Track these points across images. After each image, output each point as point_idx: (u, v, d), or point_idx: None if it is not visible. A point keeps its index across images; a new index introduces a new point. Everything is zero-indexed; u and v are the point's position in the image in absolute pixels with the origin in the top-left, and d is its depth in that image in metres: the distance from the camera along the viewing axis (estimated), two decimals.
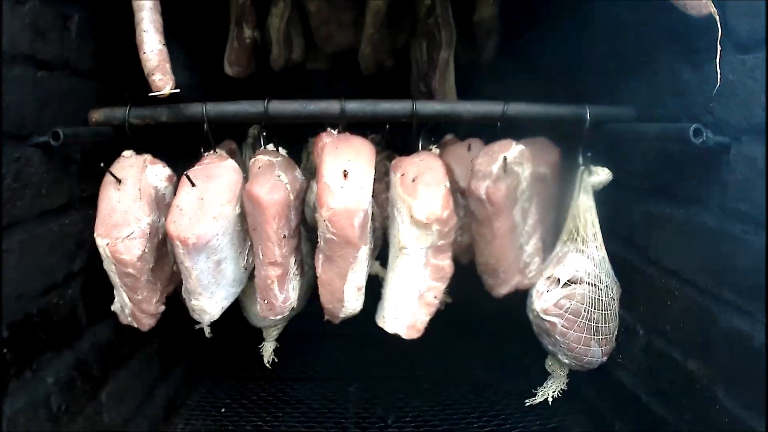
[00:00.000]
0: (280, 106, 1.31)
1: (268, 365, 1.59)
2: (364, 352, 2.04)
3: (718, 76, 1.12)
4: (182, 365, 1.93)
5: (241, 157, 1.73)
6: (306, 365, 2.17)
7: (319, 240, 1.27)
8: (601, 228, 1.40)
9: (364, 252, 1.26)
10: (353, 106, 1.31)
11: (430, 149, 1.45)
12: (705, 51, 1.12)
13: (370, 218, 1.26)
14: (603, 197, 1.40)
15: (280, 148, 1.39)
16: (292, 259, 1.32)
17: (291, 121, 1.33)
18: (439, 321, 1.40)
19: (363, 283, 1.30)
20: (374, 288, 1.43)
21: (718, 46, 1.12)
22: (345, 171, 1.22)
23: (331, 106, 1.31)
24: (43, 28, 1.22)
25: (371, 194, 1.25)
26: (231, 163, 1.32)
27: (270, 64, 1.83)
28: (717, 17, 1.10)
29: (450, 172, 1.50)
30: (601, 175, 1.38)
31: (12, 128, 1.10)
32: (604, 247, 1.40)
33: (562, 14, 1.76)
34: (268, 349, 1.59)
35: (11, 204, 1.10)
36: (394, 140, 1.68)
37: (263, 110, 1.31)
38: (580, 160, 1.38)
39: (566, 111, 1.38)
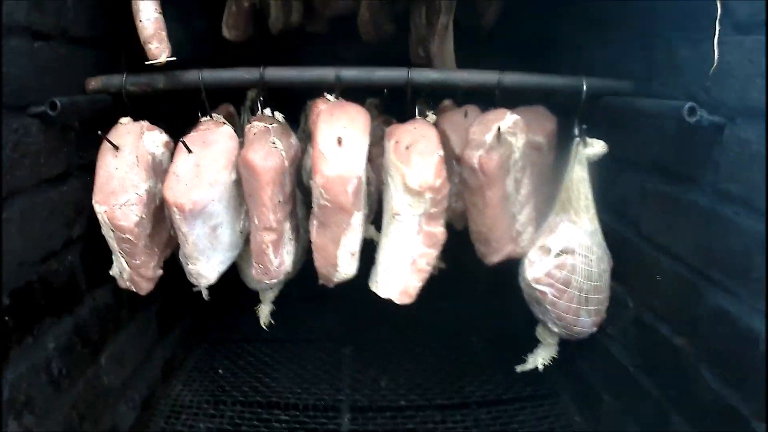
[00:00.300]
0: (276, 73, 1.30)
1: (264, 327, 1.62)
2: (359, 315, 2.08)
3: (715, 57, 1.11)
4: (179, 328, 1.97)
5: (239, 120, 1.73)
6: (302, 328, 2.22)
7: (313, 206, 1.28)
8: (594, 200, 1.41)
9: (357, 218, 1.27)
10: (349, 73, 1.30)
11: (427, 115, 1.45)
12: (704, 29, 1.10)
13: (364, 185, 1.27)
14: (598, 168, 1.41)
15: (276, 113, 1.38)
16: (287, 224, 1.34)
17: (287, 86, 1.32)
18: (432, 285, 1.43)
19: (357, 248, 1.32)
20: (370, 252, 1.45)
21: (717, 25, 1.11)
22: (339, 138, 1.22)
23: (327, 74, 1.30)
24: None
25: (366, 160, 1.26)
26: (227, 129, 1.32)
27: (268, 28, 1.80)
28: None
29: (446, 139, 1.50)
30: (596, 147, 1.38)
31: (11, 99, 1.10)
32: (597, 219, 1.41)
33: None
34: (264, 312, 1.62)
35: (10, 174, 1.11)
36: (393, 105, 1.67)
37: (259, 77, 1.30)
38: (576, 131, 1.38)
39: (563, 82, 1.37)
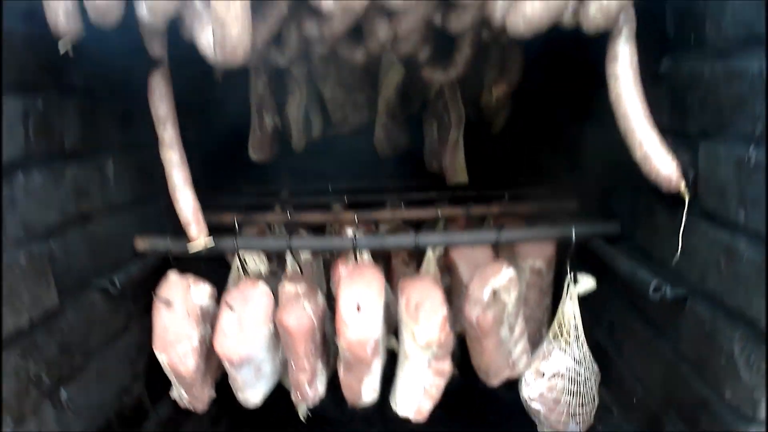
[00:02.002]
0: (301, 242, 1.54)
1: (303, 420, 1.92)
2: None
3: (680, 245, 1.28)
4: (225, 422, 2.28)
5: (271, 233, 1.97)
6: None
7: (339, 351, 1.54)
8: (584, 325, 1.61)
9: (376, 364, 1.53)
10: (364, 242, 1.52)
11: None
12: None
13: (381, 339, 1.51)
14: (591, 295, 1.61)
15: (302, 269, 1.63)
16: (319, 363, 1.61)
17: (311, 250, 1.56)
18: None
19: (377, 385, 1.58)
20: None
21: (684, 218, 1.27)
22: (358, 305, 1.46)
23: (345, 242, 1.53)
24: (85, 189, 1.48)
25: (382, 318, 1.50)
26: (263, 288, 1.57)
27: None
28: (686, 195, 1.24)
29: (455, 269, 1.73)
30: (586, 283, 1.58)
31: (73, 280, 1.39)
32: (585, 344, 1.62)
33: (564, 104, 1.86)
34: (302, 406, 1.92)
35: (86, 341, 1.42)
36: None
37: (286, 245, 1.54)
38: (569, 270, 1.57)
39: (554, 232, 1.55)
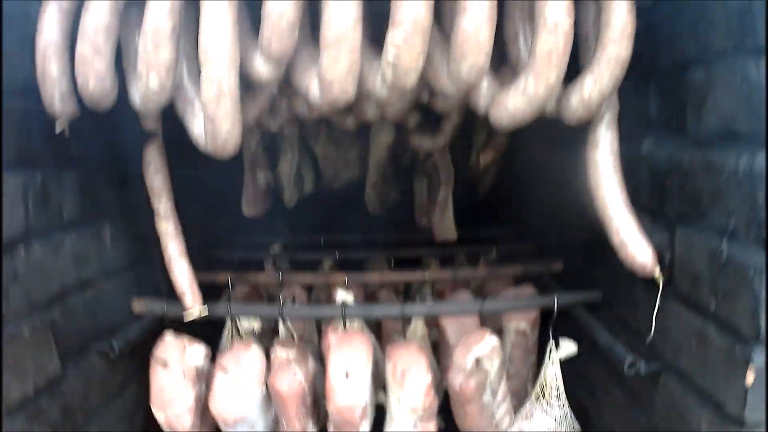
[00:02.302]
0: (293, 311, 1.60)
1: None
2: None
3: (653, 326, 1.34)
4: None
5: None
6: None
7: (329, 413, 1.60)
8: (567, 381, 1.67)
9: (364, 425, 1.58)
10: (353, 311, 1.58)
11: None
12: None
13: (369, 403, 1.57)
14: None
15: (294, 335, 1.68)
16: (310, 424, 1.66)
17: (301, 318, 1.62)
18: None
19: None
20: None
21: (657, 300, 1.33)
22: (347, 372, 1.52)
23: (335, 311, 1.59)
24: (84, 256, 1.54)
25: (370, 382, 1.56)
26: (255, 352, 1.63)
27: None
28: (661, 281, 1.30)
29: (443, 331, 1.79)
30: (567, 348, 1.63)
31: (74, 346, 1.45)
32: (567, 404, 1.67)
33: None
34: None
35: (87, 402, 1.48)
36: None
37: (279, 313, 1.59)
38: (551, 335, 1.63)
39: (537, 302, 1.61)
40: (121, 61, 1.33)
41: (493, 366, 1.57)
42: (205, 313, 1.54)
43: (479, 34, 1.14)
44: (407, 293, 1.97)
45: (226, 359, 1.62)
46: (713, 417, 1.19)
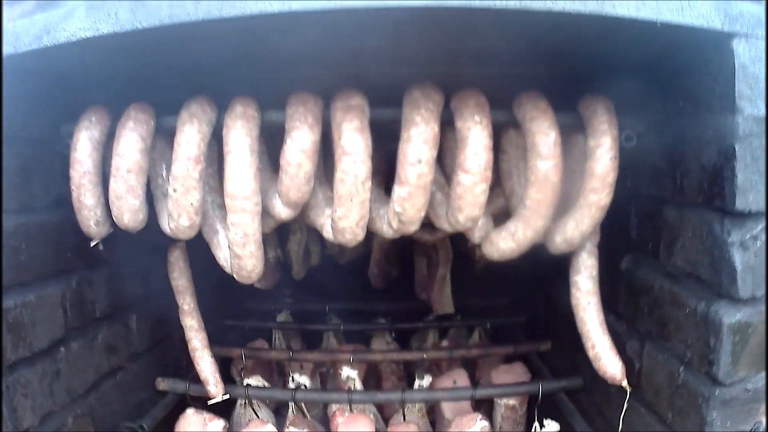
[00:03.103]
0: (303, 395, 1.77)
1: None
2: None
3: (620, 427, 1.52)
4: None
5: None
6: None
7: None
8: None
9: None
10: (358, 396, 1.76)
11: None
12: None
13: None
14: None
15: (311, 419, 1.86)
16: None
17: (312, 402, 1.80)
18: None
19: None
20: None
21: (625, 404, 1.51)
22: None
23: (342, 396, 1.76)
24: (113, 345, 1.70)
25: None
26: (271, 428, 1.80)
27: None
28: (628, 390, 1.48)
29: (439, 407, 1.96)
30: (551, 427, 1.81)
31: (108, 427, 1.62)
32: None
33: None
34: None
35: None
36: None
37: (291, 397, 1.77)
38: (536, 417, 1.81)
39: (523, 389, 1.79)
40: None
41: None
42: (226, 396, 1.71)
43: (475, 189, 1.31)
44: (408, 365, 2.16)
45: None
46: None
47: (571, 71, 1.52)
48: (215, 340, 2.06)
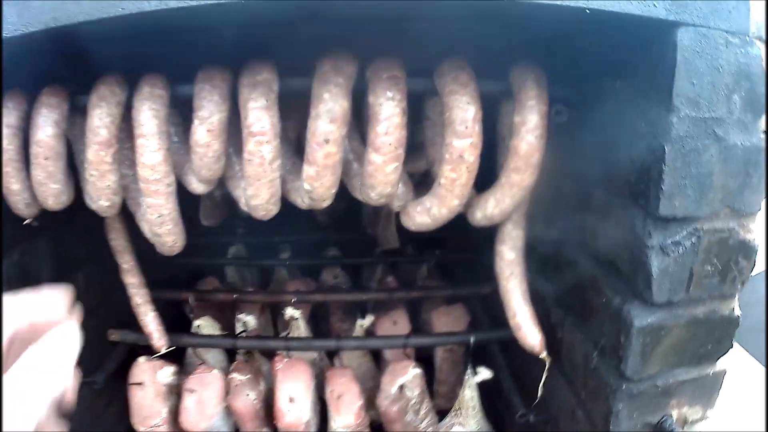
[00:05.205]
0: (244, 343, 1.83)
1: None
2: None
3: (539, 393, 1.57)
4: None
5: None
6: None
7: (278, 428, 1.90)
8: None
9: None
10: (296, 344, 1.80)
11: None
12: None
13: (312, 420, 1.86)
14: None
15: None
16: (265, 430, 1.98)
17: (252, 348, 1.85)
18: None
19: None
20: None
21: (544, 374, 1.54)
22: (291, 397, 1.79)
23: (279, 344, 1.81)
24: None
25: (311, 404, 1.84)
26: (216, 374, 1.88)
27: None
28: (547, 361, 1.51)
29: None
30: (483, 374, 1.88)
31: None
32: (483, 419, 1.95)
33: None
34: None
35: (80, 425, 1.76)
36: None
37: (232, 344, 1.82)
38: (469, 365, 1.87)
39: (455, 339, 1.83)
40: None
41: (414, 392, 1.84)
42: (171, 347, 1.77)
43: (386, 168, 1.23)
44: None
45: (192, 382, 1.88)
46: None
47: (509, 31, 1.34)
48: (166, 281, 2.10)
